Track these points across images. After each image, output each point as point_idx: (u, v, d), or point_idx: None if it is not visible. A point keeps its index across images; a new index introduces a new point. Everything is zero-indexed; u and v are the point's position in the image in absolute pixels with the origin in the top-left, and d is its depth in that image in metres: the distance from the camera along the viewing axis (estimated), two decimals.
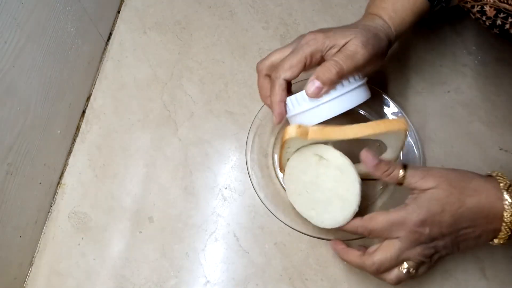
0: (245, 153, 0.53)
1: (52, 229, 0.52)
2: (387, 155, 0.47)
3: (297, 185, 0.46)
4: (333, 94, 0.42)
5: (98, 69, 0.60)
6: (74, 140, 0.56)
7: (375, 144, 0.53)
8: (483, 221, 0.37)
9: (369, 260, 0.39)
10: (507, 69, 0.57)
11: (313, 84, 0.41)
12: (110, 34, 0.63)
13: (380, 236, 0.40)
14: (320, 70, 0.41)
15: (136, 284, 0.48)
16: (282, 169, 0.50)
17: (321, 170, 0.44)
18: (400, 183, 0.39)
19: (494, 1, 0.37)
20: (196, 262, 0.49)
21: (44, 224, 0.52)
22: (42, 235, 0.51)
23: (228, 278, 0.48)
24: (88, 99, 0.59)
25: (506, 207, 0.36)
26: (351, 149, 0.53)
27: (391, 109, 0.54)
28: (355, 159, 0.44)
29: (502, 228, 0.37)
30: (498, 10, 0.38)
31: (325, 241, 0.49)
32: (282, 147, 0.45)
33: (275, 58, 0.45)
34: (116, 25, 0.64)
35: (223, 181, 0.53)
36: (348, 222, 0.42)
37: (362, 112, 0.55)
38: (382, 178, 0.40)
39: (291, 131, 0.42)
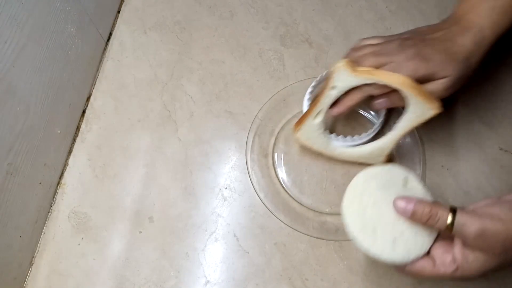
0: (245, 153, 0.53)
1: (52, 229, 0.52)
2: (401, 122, 0.45)
3: (366, 197, 0.39)
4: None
5: (98, 69, 0.61)
6: (74, 140, 0.56)
7: None
8: None
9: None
10: (507, 69, 0.57)
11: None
12: (110, 34, 0.63)
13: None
14: None
15: (136, 284, 0.48)
16: (308, 115, 0.47)
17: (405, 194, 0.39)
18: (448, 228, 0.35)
19: None
20: (196, 262, 0.49)
21: (44, 224, 0.52)
22: (42, 235, 0.51)
23: (228, 278, 0.48)
24: (88, 99, 0.59)
25: None
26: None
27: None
28: None
29: None
30: None
31: (325, 241, 0.49)
32: (326, 86, 0.45)
33: (372, 64, 0.43)
34: (116, 25, 0.64)
35: (223, 181, 0.53)
36: (414, 261, 0.37)
37: (361, 112, 0.55)
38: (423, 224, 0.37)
39: (339, 63, 0.43)
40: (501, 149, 0.53)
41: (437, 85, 0.42)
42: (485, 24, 0.42)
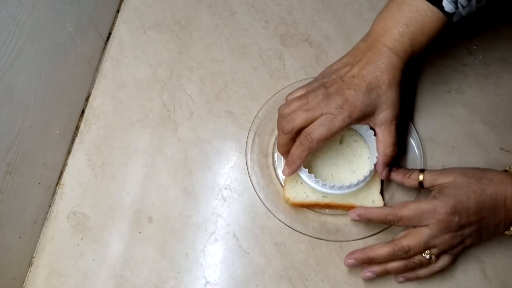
0: (245, 153, 0.53)
1: (51, 230, 0.51)
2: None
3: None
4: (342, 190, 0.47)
5: (97, 69, 0.60)
6: (73, 140, 0.56)
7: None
8: (501, 209, 0.41)
9: (397, 245, 0.42)
10: (508, 68, 0.57)
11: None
12: (110, 33, 0.63)
13: (409, 223, 0.43)
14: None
15: (136, 285, 0.48)
16: None
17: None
18: (420, 183, 0.45)
19: None
20: (196, 262, 0.49)
21: (43, 224, 0.52)
22: (41, 236, 0.51)
23: (228, 279, 0.48)
24: (87, 98, 0.59)
25: None
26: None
27: None
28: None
29: None
30: None
31: (325, 241, 0.49)
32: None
33: (302, 122, 0.44)
34: (116, 25, 0.63)
35: (223, 181, 0.53)
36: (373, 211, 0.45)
37: None
38: (403, 181, 0.47)
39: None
40: (502, 149, 0.53)
41: (381, 118, 0.45)
42: (397, 49, 0.44)
